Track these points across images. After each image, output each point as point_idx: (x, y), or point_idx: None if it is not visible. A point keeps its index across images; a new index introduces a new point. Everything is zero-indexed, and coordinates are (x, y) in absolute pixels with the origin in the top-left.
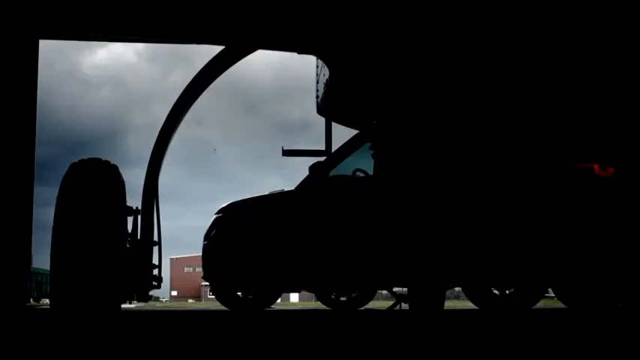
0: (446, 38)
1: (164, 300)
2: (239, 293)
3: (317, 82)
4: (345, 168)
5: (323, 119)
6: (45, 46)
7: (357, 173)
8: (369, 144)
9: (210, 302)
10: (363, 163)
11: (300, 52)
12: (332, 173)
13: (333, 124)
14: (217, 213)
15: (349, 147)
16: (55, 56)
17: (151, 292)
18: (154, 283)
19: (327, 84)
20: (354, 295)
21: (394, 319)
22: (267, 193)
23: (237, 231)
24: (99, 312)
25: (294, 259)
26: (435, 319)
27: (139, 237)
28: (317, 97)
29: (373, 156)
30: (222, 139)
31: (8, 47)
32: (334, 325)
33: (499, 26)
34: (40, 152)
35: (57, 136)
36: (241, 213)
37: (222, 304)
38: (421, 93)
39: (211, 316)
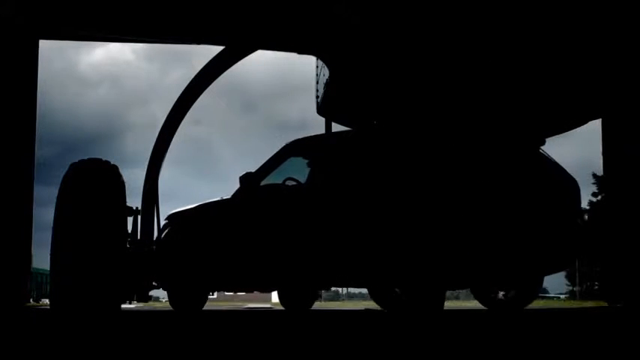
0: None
1: (164, 300)
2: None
3: (317, 82)
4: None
5: (322, 119)
6: (44, 45)
7: (288, 182)
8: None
9: (209, 303)
10: (292, 172)
11: (300, 52)
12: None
13: (333, 124)
14: (164, 219)
15: (277, 159)
16: (53, 55)
17: (150, 292)
18: (153, 283)
19: (327, 84)
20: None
21: (395, 319)
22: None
23: (176, 236)
24: (99, 312)
25: (225, 262)
26: (435, 319)
27: (139, 237)
28: (317, 97)
29: (309, 165)
30: (221, 139)
31: (8, 47)
32: (335, 324)
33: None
34: (40, 152)
35: (57, 136)
36: (182, 220)
37: (170, 304)
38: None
39: (209, 315)
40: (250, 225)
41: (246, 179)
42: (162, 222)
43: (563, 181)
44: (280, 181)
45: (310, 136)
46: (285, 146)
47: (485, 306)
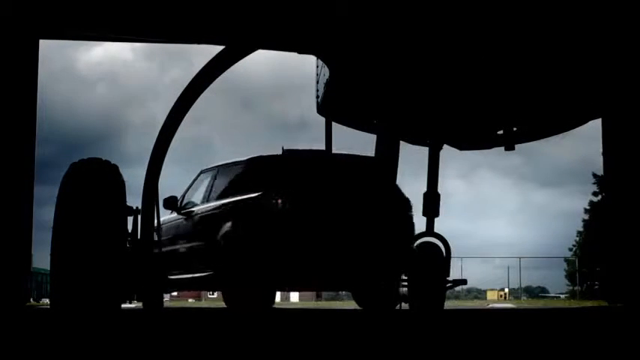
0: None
1: (164, 299)
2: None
3: (317, 82)
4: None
5: (322, 119)
6: (43, 44)
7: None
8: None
9: (210, 302)
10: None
11: (300, 52)
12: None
13: (333, 124)
14: None
15: (193, 183)
16: (52, 54)
17: None
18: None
19: (327, 84)
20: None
21: (395, 319)
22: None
23: None
24: (99, 312)
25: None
26: (435, 319)
27: (139, 237)
28: (317, 97)
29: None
30: (221, 138)
31: (8, 47)
32: (337, 324)
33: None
34: (40, 152)
35: (57, 136)
36: None
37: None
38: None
39: (208, 315)
40: (174, 236)
41: (167, 202)
42: None
43: (394, 199)
44: (199, 202)
45: (220, 164)
46: (200, 172)
47: (360, 306)
